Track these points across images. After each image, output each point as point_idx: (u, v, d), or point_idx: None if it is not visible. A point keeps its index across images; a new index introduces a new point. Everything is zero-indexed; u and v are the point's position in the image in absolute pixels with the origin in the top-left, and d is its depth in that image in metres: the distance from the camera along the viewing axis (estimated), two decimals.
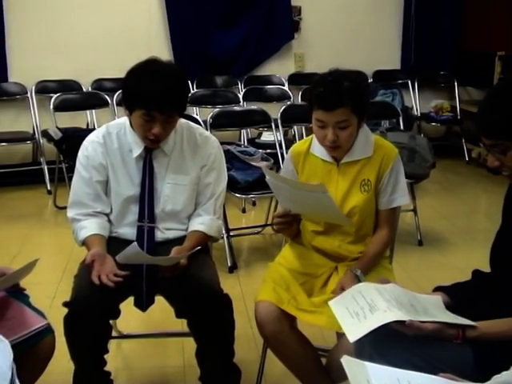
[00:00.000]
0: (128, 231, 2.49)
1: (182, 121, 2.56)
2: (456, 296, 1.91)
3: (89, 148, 2.50)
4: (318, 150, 2.44)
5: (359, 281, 2.18)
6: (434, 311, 1.82)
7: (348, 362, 1.46)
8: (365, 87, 2.46)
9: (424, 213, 4.77)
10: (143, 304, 2.42)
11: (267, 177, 2.31)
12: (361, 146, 2.40)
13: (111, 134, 2.51)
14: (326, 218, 2.40)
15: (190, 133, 2.56)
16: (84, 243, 2.44)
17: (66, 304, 2.27)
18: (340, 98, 2.25)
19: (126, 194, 2.47)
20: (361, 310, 1.79)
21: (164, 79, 2.31)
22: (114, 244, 2.43)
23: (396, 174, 2.42)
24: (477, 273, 2.02)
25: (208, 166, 2.54)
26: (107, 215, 2.51)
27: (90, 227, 2.43)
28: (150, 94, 2.28)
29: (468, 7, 6.96)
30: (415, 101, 6.91)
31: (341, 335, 2.11)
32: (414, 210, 4.56)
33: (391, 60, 6.94)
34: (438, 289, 1.98)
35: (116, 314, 2.40)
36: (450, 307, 1.87)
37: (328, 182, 2.39)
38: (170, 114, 2.36)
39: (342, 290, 2.14)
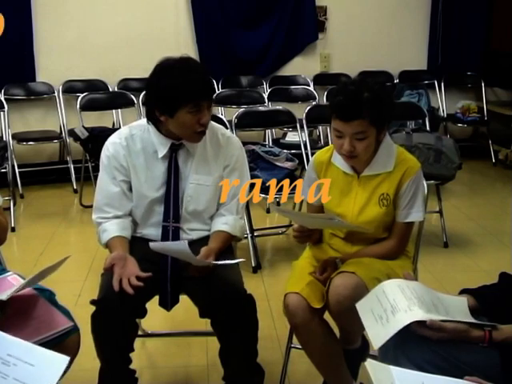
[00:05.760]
0: (152, 232, 2.50)
1: None
2: (483, 299, 1.89)
3: (110, 149, 2.51)
4: (339, 161, 2.44)
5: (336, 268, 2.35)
6: (456, 314, 1.80)
7: (372, 366, 1.45)
8: (387, 98, 2.36)
9: (450, 214, 4.74)
10: (168, 304, 2.44)
11: (275, 211, 2.36)
12: (382, 159, 2.39)
13: (134, 136, 2.51)
14: (344, 229, 2.43)
15: (212, 133, 2.56)
16: (107, 246, 2.47)
17: (93, 302, 2.28)
18: (358, 109, 2.21)
19: (150, 195, 2.48)
20: (384, 312, 1.78)
21: (199, 71, 2.38)
22: (138, 244, 2.44)
23: (415, 189, 2.38)
24: (504, 275, 1.99)
25: (231, 167, 2.54)
26: (131, 214, 2.52)
27: (111, 229, 2.45)
28: (197, 85, 2.33)
29: (496, 7, 6.87)
30: (441, 101, 6.85)
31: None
32: (440, 212, 4.52)
33: (418, 60, 6.89)
34: (464, 291, 1.96)
35: (143, 312, 2.40)
36: (477, 310, 1.86)
37: (347, 193, 2.43)
38: (212, 100, 2.43)
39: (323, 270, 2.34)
